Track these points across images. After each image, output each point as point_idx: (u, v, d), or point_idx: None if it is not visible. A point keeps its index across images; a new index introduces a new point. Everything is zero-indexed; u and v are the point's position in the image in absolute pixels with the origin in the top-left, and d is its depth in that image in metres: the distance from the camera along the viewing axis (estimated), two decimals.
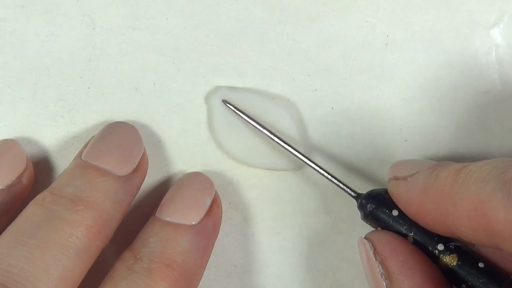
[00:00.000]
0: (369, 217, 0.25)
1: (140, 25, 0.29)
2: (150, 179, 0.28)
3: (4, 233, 0.24)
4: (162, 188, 0.28)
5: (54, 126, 0.28)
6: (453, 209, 0.22)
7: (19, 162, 0.26)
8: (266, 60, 0.29)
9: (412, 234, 0.24)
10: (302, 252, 0.28)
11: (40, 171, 0.28)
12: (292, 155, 0.27)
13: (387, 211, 0.24)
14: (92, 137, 0.27)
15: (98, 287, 0.24)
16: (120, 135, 0.27)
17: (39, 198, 0.25)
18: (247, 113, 0.28)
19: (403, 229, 0.24)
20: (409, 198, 0.24)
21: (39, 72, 0.28)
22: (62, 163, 0.28)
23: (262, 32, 0.29)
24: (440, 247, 0.24)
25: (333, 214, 0.29)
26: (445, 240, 0.24)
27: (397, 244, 0.24)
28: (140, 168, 0.27)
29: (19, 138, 0.28)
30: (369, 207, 0.25)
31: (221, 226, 0.28)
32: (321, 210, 0.29)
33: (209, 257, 0.26)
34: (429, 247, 0.24)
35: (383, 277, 0.23)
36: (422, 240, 0.24)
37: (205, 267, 0.26)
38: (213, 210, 0.27)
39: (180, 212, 0.26)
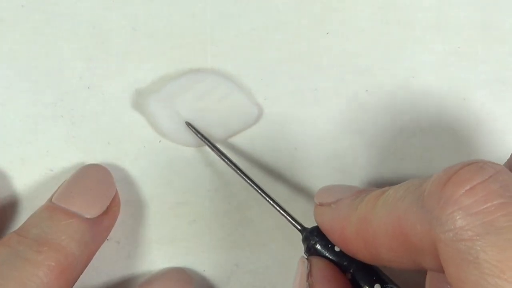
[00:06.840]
0: (311, 250, 0.25)
1: (140, 25, 0.29)
2: (150, 180, 0.28)
3: None
4: (162, 189, 0.28)
5: (54, 126, 0.28)
6: (373, 233, 0.21)
7: None
8: (265, 60, 0.29)
9: (352, 271, 0.24)
10: (302, 253, 0.28)
11: (40, 171, 0.28)
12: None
13: (329, 245, 0.25)
14: (65, 180, 0.27)
15: None
16: (91, 178, 0.27)
17: (5, 238, 0.25)
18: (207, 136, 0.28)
19: (343, 265, 0.24)
20: (333, 224, 0.24)
21: (39, 72, 0.28)
22: (62, 163, 0.28)
23: (262, 32, 0.29)
24: (377, 287, 0.24)
25: None
26: (383, 282, 0.24)
27: (332, 276, 0.24)
28: (110, 211, 0.27)
29: (19, 138, 0.28)
30: (312, 241, 0.25)
31: (221, 226, 0.28)
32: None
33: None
34: (366, 286, 0.24)
35: None
36: (359, 278, 0.24)
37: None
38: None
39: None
